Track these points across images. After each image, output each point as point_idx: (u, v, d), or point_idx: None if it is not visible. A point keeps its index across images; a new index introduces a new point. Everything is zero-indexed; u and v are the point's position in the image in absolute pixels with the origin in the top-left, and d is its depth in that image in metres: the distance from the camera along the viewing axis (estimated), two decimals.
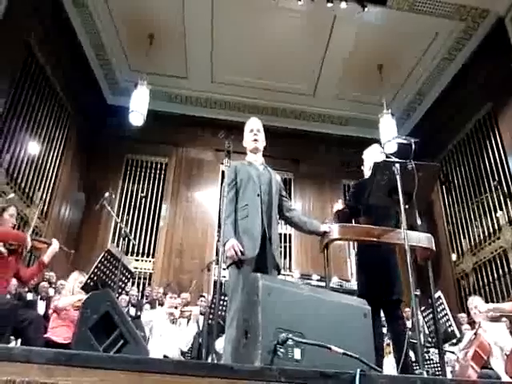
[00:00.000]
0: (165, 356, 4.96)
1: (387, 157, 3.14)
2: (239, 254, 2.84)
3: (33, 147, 7.47)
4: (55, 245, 3.85)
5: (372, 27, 8.03)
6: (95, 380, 1.37)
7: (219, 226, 9.02)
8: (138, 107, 7.91)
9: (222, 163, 9.14)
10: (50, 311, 4.38)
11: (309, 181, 9.84)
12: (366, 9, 7.48)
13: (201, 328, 5.55)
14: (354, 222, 3.66)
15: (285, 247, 9.35)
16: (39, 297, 5.91)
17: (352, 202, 3.72)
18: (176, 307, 5.70)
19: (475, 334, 4.27)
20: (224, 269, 2.94)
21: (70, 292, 4.21)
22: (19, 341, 3.90)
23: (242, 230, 2.98)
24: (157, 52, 8.58)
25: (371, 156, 3.79)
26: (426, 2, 7.43)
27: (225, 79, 9.53)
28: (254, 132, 3.37)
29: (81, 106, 8.94)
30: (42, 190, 7.75)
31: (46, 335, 3.89)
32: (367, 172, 3.75)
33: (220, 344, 5.17)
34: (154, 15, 8.06)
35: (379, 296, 3.28)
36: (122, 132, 9.12)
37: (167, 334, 5.17)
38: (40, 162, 7.69)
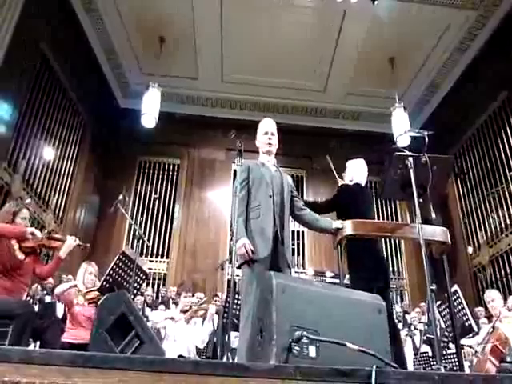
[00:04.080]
0: (180, 356, 4.99)
1: (400, 151, 3.11)
2: (250, 253, 2.85)
3: (48, 153, 7.58)
4: (70, 240, 3.87)
5: (383, 20, 7.94)
6: (114, 381, 1.39)
7: (231, 225, 9.04)
8: (150, 109, 7.97)
9: (234, 162, 9.16)
10: (66, 311, 4.45)
11: (321, 177, 9.76)
12: (375, 2, 7.40)
13: (215, 327, 5.57)
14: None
15: (298, 244, 9.33)
16: (58, 299, 5.99)
17: (333, 204, 3.78)
18: (190, 306, 5.72)
19: (493, 327, 4.21)
20: (237, 267, 2.94)
21: (82, 285, 4.27)
22: (38, 343, 3.95)
23: (255, 229, 2.99)
24: (167, 54, 8.63)
25: (354, 168, 3.99)
26: None
27: (235, 78, 9.54)
28: (268, 135, 3.35)
29: (93, 110, 9.04)
30: (57, 194, 7.86)
31: (63, 337, 3.94)
32: (347, 180, 3.97)
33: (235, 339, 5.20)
34: (163, 18, 8.10)
35: (380, 284, 3.35)
36: (134, 135, 9.19)
37: (182, 333, 5.20)
38: (55, 167, 7.81)
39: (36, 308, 5.18)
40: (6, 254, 3.44)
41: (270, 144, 3.34)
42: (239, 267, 2.94)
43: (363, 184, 3.95)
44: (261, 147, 3.39)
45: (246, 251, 2.84)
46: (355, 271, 3.50)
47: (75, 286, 4.22)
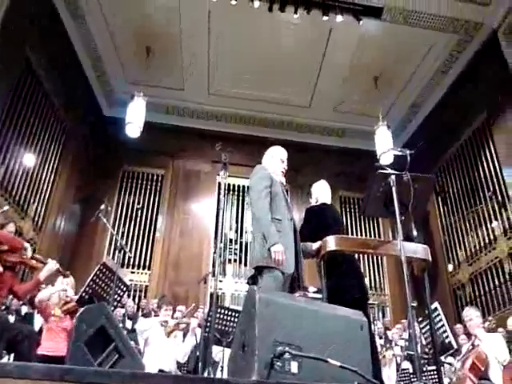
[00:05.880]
0: (160, 370, 4.91)
1: (383, 168, 3.16)
2: (283, 264, 2.83)
3: (28, 159, 7.44)
4: (51, 264, 3.83)
5: (367, 40, 8.13)
6: None
7: (215, 238, 9.00)
8: (135, 119, 7.92)
9: (219, 175, 9.15)
10: (42, 323, 4.36)
11: (304, 192, 9.83)
12: (361, 22, 7.57)
13: (198, 341, 5.50)
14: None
15: None
16: (36, 311, 5.86)
17: (308, 228, 3.79)
18: (171, 319, 5.64)
19: (472, 344, 4.26)
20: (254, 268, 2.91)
21: (57, 299, 4.19)
22: (12, 356, 3.85)
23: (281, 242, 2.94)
24: (154, 64, 8.63)
25: (317, 190, 4.09)
26: (420, 15, 7.52)
27: (221, 91, 9.59)
28: (284, 164, 3.48)
29: (77, 117, 8.92)
30: (36, 202, 7.71)
31: (39, 349, 3.85)
32: (313, 202, 4.07)
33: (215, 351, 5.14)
34: (151, 28, 8.12)
35: (359, 297, 3.37)
36: (118, 144, 9.14)
37: (163, 347, 5.12)
38: (35, 174, 7.65)
39: (12, 319, 5.05)
40: None
41: (282, 172, 3.46)
42: (258, 269, 2.90)
43: (329, 202, 4.05)
44: (275, 170, 3.40)
45: (282, 261, 2.81)
46: (330, 281, 3.52)
47: (65, 290, 4.12)
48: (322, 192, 4.08)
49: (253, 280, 2.96)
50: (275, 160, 3.47)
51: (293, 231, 3.15)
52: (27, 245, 3.59)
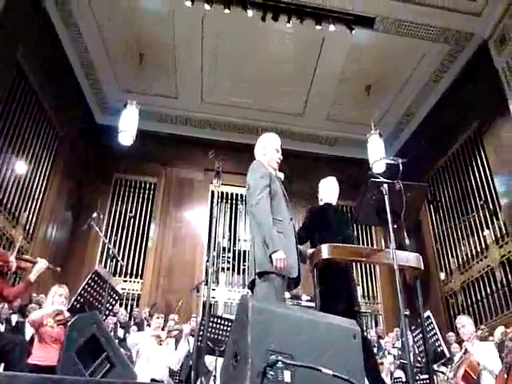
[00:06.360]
0: (152, 379, 4.86)
1: (375, 177, 3.17)
2: (285, 269, 2.74)
3: (19, 167, 7.40)
4: (41, 263, 3.77)
5: (360, 49, 8.23)
6: None
7: (208, 246, 8.97)
8: (127, 127, 7.91)
9: (212, 183, 9.14)
10: (33, 332, 4.29)
11: (298, 199, 9.84)
12: (353, 32, 7.64)
13: (191, 349, 5.45)
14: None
15: None
16: (27, 319, 5.79)
17: (306, 228, 3.75)
18: (163, 328, 5.60)
19: (464, 353, 4.27)
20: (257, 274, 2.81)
21: (50, 307, 4.12)
22: (2, 365, 3.79)
23: (284, 245, 2.83)
24: (147, 72, 8.66)
25: (323, 188, 4.00)
26: (412, 25, 7.62)
27: (215, 99, 9.62)
28: (279, 154, 3.28)
29: (69, 124, 8.89)
30: (28, 210, 7.65)
31: (30, 358, 3.80)
32: (319, 201, 3.97)
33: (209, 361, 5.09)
34: (144, 35, 8.15)
35: (345, 308, 3.32)
36: (110, 151, 9.11)
37: (154, 356, 5.07)
38: (26, 181, 7.61)
39: (2, 328, 4.99)
40: None
41: (278, 162, 3.27)
42: (259, 274, 2.79)
43: (334, 203, 3.94)
44: (270, 161, 3.23)
45: (282, 267, 2.70)
46: (320, 291, 3.51)
47: (61, 311, 4.01)
48: (326, 191, 3.97)
49: (252, 284, 2.86)
50: (269, 151, 3.26)
51: (294, 234, 3.05)
52: (12, 257, 3.55)
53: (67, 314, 4.04)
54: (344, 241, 3.44)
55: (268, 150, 3.28)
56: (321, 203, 3.97)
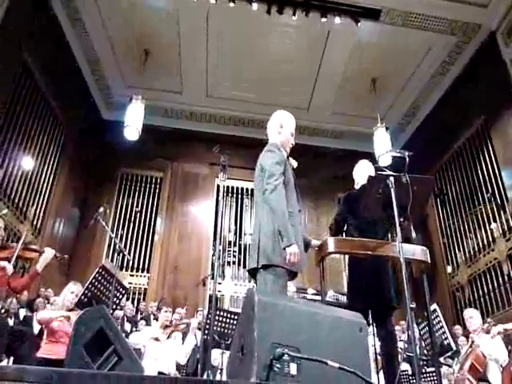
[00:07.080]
0: (160, 372, 4.89)
1: (381, 170, 3.14)
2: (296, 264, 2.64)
3: (27, 162, 7.45)
4: (48, 253, 3.77)
5: (366, 42, 8.15)
6: None
7: (214, 240, 8.99)
8: (133, 122, 7.93)
9: (218, 177, 9.15)
10: (41, 326, 4.32)
11: (304, 194, 9.80)
12: (359, 24, 7.59)
13: (198, 343, 5.48)
14: (344, 234, 3.68)
15: None
16: (35, 314, 5.84)
17: (341, 215, 3.73)
18: (171, 322, 5.62)
19: (471, 346, 4.26)
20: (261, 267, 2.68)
21: (61, 302, 4.14)
22: (11, 359, 3.84)
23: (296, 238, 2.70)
24: (152, 67, 8.64)
25: (360, 172, 3.85)
26: (419, 17, 7.55)
27: (220, 94, 9.60)
28: (293, 137, 3.11)
29: (75, 120, 8.92)
30: (35, 205, 7.71)
31: (39, 352, 3.84)
32: (356, 185, 3.84)
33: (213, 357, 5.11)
34: (149, 31, 8.14)
35: (372, 305, 3.31)
36: (116, 147, 9.13)
37: (162, 350, 5.10)
38: (34, 177, 7.66)
39: (11, 322, 5.04)
40: None
41: (290, 147, 3.13)
42: (264, 268, 2.67)
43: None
44: (283, 142, 3.05)
45: (295, 262, 2.60)
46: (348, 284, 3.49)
47: (68, 317, 4.00)
48: (359, 174, 3.82)
49: (254, 271, 2.74)
50: (285, 131, 3.07)
51: (302, 225, 2.98)
52: (10, 266, 3.54)
53: (74, 318, 4.05)
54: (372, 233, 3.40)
55: (284, 129, 3.10)
56: (356, 187, 3.86)
